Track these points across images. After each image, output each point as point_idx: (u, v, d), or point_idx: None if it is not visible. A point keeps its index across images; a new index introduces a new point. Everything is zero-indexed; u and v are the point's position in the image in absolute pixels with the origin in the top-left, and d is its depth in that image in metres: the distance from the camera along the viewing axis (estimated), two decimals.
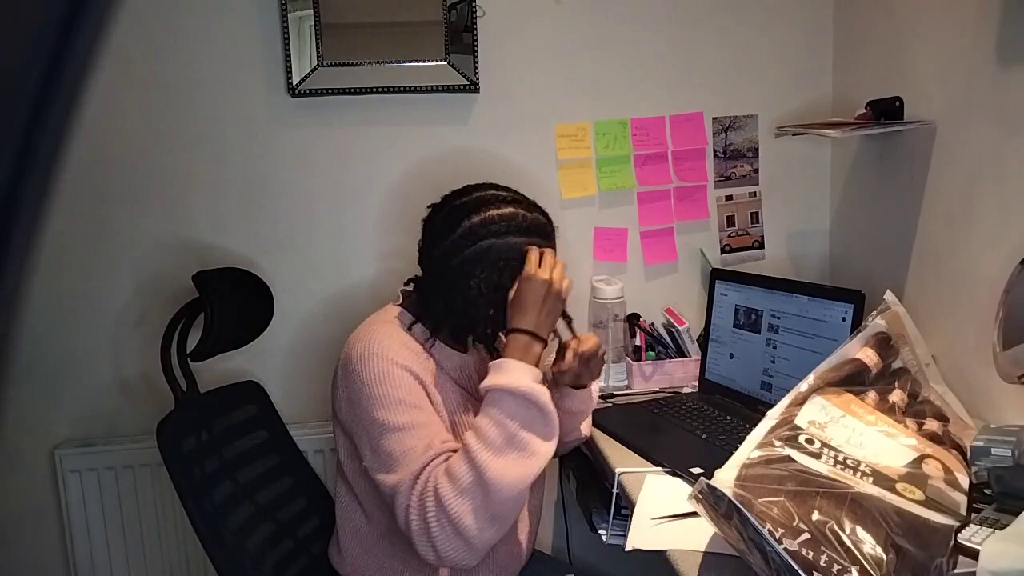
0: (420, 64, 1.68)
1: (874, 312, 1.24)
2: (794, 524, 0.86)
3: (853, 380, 1.14)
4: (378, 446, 1.13)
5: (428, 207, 1.27)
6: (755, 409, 1.43)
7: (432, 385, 1.21)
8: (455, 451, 1.12)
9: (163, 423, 1.27)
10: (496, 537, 1.10)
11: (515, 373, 1.13)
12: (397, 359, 1.17)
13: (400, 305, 1.30)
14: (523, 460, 1.10)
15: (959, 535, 0.95)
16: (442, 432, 1.16)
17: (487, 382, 1.14)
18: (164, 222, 1.69)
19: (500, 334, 1.25)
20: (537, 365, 1.17)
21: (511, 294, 1.20)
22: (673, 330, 1.79)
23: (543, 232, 1.25)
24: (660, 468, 1.32)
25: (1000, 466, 1.05)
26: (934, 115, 1.46)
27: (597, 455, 1.46)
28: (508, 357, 1.15)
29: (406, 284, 1.32)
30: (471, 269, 1.19)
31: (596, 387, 1.42)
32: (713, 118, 1.82)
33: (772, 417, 1.06)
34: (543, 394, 1.13)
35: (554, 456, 1.46)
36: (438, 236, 1.22)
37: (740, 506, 0.87)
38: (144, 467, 1.67)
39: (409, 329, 1.25)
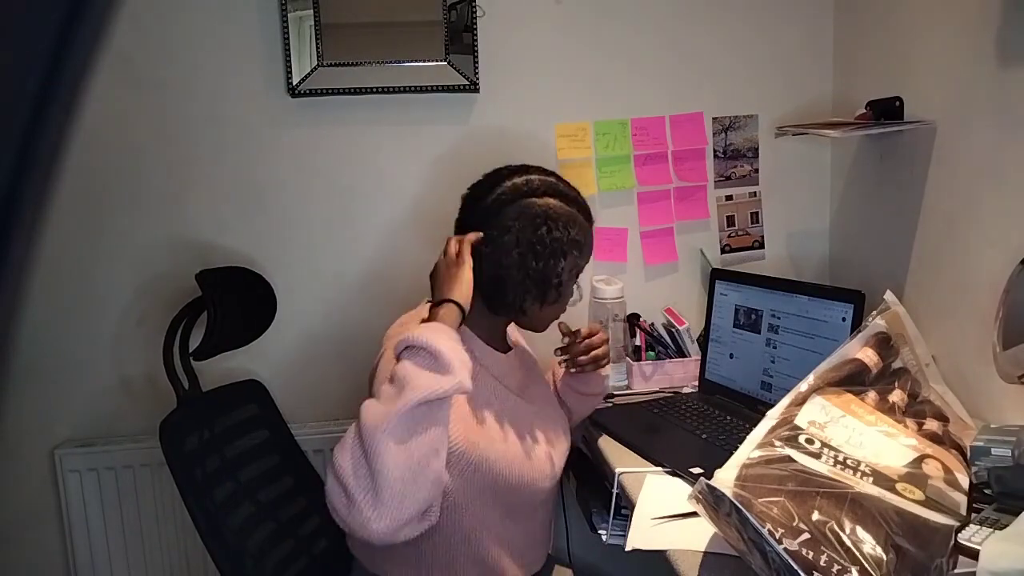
0: (420, 64, 1.68)
1: (874, 312, 1.24)
2: (794, 524, 0.86)
3: (853, 380, 1.14)
4: None
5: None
6: (755, 409, 1.42)
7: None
8: None
9: (165, 422, 1.27)
10: (387, 502, 0.94)
11: (407, 332, 1.04)
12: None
13: None
14: (397, 394, 0.98)
15: (959, 535, 0.95)
16: None
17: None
18: (165, 222, 1.69)
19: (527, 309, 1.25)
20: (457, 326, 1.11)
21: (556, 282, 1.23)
22: (673, 330, 1.79)
23: (583, 207, 1.27)
24: (660, 468, 1.32)
25: (1000, 466, 1.05)
26: (934, 115, 1.46)
27: (597, 455, 1.46)
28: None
29: None
30: (508, 223, 1.20)
31: (609, 368, 1.48)
32: (713, 118, 1.82)
33: (772, 417, 1.06)
34: (426, 338, 1.01)
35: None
36: (477, 198, 1.25)
37: (740, 506, 0.87)
38: (144, 467, 1.67)
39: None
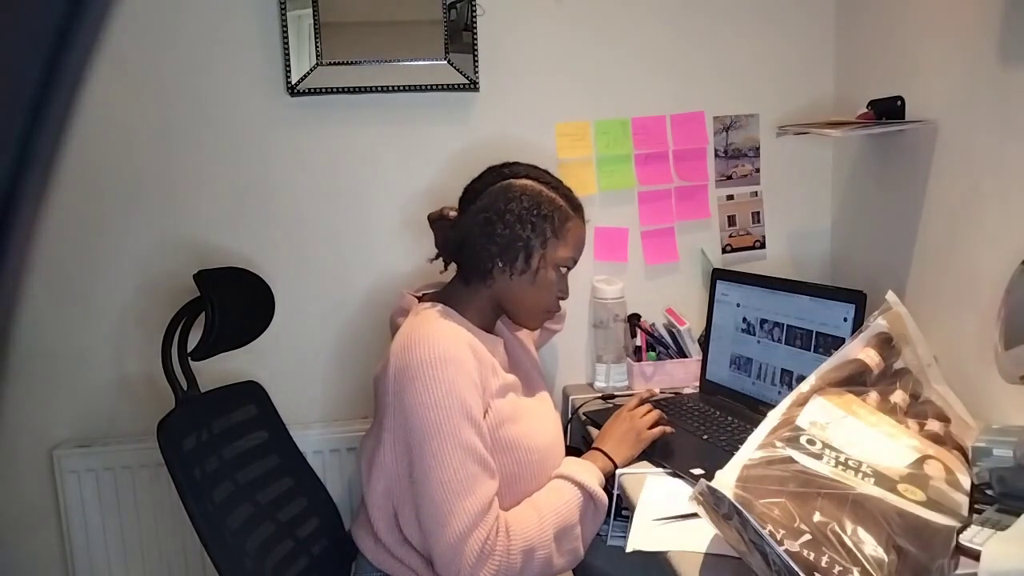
0: (420, 63, 1.68)
1: (876, 312, 1.23)
2: (795, 525, 0.86)
3: (855, 381, 1.13)
4: (431, 490, 1.13)
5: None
6: (756, 410, 1.42)
7: (493, 373, 1.23)
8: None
9: (164, 422, 1.27)
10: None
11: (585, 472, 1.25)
12: (464, 366, 1.16)
13: (430, 299, 1.30)
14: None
15: (960, 536, 0.95)
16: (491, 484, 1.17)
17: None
18: (164, 221, 1.69)
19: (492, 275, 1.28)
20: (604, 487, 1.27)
21: (535, 261, 1.26)
22: (674, 330, 1.79)
23: (567, 196, 1.32)
24: (661, 469, 1.32)
25: (1001, 467, 1.05)
26: (935, 114, 1.46)
27: None
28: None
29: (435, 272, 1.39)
30: (483, 196, 1.28)
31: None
32: (714, 117, 1.82)
33: (773, 418, 1.06)
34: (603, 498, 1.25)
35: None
36: (467, 188, 1.34)
37: (741, 507, 0.87)
38: (143, 468, 1.66)
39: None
